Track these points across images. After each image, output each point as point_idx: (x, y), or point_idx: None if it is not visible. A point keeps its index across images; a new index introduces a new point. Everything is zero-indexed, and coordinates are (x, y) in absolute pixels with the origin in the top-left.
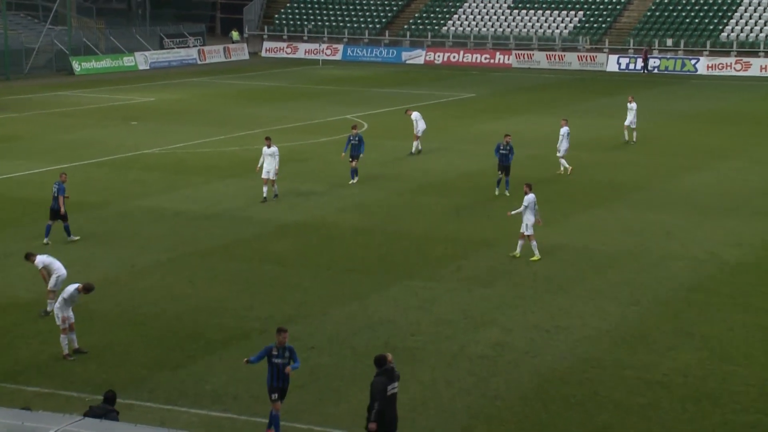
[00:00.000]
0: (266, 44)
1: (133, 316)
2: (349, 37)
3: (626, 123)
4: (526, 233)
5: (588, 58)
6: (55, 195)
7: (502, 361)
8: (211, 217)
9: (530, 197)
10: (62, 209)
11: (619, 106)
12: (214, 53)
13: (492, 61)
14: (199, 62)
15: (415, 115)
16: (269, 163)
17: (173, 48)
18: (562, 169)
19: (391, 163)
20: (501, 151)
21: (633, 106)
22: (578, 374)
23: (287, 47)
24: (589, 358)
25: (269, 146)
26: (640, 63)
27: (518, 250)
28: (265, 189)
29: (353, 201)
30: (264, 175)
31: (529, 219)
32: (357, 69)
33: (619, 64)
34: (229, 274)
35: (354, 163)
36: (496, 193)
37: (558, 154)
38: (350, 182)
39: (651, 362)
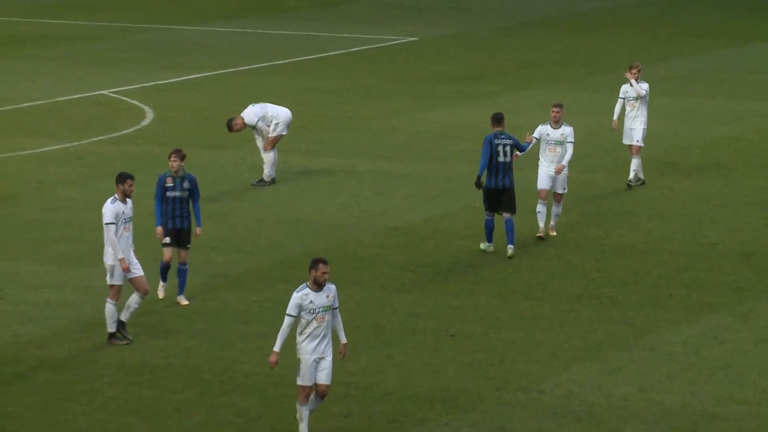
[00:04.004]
0: None
1: None
2: None
3: (625, 140)
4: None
5: None
6: None
7: None
8: None
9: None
10: None
11: (759, 69)
12: None
13: None
14: None
15: (252, 114)
16: (126, 242)
17: None
18: (541, 228)
19: (221, 204)
20: (499, 158)
21: (642, 87)
22: None
23: None
24: None
25: (126, 199)
26: None
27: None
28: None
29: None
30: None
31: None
32: None
33: None
34: None
35: (171, 254)
36: (483, 247)
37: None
38: (159, 291)
39: None
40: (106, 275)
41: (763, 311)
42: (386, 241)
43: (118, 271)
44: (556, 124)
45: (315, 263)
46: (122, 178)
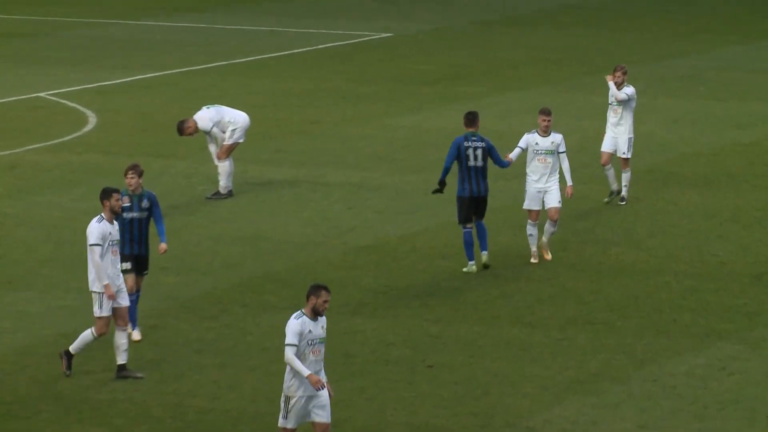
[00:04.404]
0: None
1: None
2: None
3: (604, 146)
4: None
5: None
6: None
7: None
8: None
9: None
10: None
11: None
12: None
13: None
14: None
15: (206, 119)
16: (114, 267)
17: None
18: (534, 252)
19: (172, 219)
20: (469, 163)
21: (625, 92)
22: None
23: None
24: None
25: (114, 219)
26: None
27: None
28: None
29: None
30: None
31: None
32: None
33: None
34: None
35: (133, 282)
36: (465, 270)
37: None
38: (133, 334)
39: None
40: (93, 305)
41: None
42: (357, 261)
43: (108, 301)
44: (545, 132)
45: (317, 290)
46: (107, 193)
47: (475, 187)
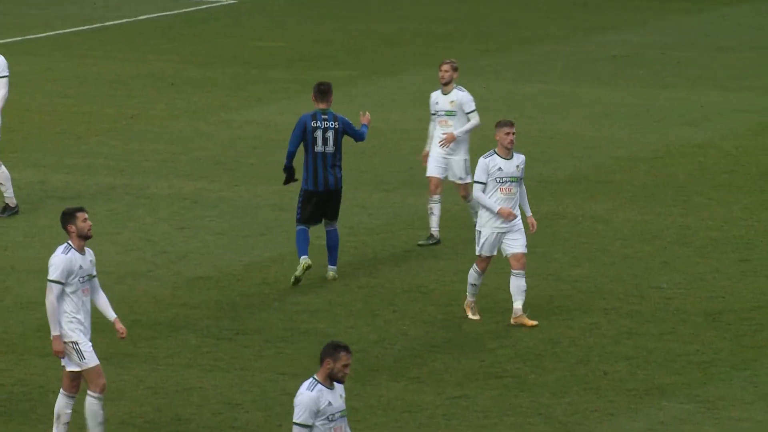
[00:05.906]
0: None
1: None
2: None
3: (431, 170)
4: None
5: None
6: None
7: None
8: None
9: None
10: None
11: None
12: None
13: None
14: None
15: (3, 63)
16: (84, 310)
17: None
18: (472, 302)
19: None
20: (316, 148)
21: (461, 98)
22: None
23: None
24: None
25: (84, 248)
26: None
27: None
28: None
29: None
30: None
31: None
32: None
33: None
34: None
35: None
36: (297, 272)
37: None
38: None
39: None
40: (71, 359)
41: (738, 397)
42: (192, 298)
43: (89, 349)
44: (508, 153)
45: (335, 351)
46: (70, 215)
47: (323, 179)
